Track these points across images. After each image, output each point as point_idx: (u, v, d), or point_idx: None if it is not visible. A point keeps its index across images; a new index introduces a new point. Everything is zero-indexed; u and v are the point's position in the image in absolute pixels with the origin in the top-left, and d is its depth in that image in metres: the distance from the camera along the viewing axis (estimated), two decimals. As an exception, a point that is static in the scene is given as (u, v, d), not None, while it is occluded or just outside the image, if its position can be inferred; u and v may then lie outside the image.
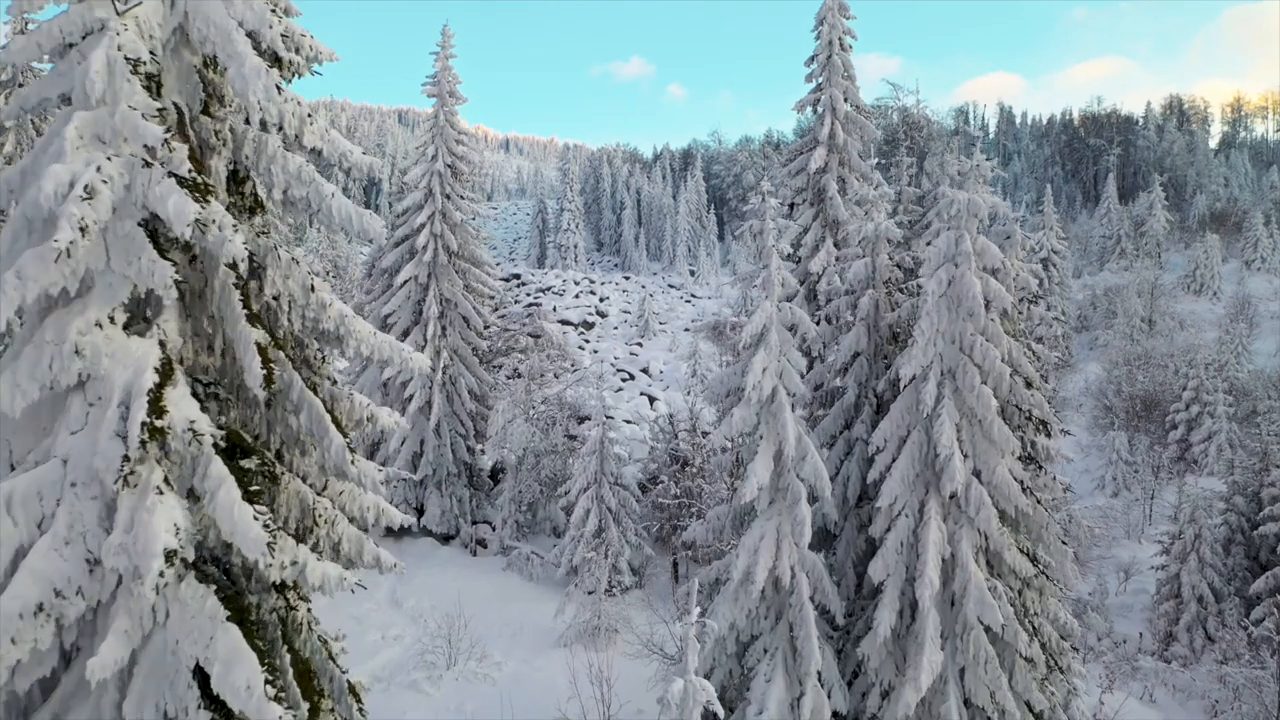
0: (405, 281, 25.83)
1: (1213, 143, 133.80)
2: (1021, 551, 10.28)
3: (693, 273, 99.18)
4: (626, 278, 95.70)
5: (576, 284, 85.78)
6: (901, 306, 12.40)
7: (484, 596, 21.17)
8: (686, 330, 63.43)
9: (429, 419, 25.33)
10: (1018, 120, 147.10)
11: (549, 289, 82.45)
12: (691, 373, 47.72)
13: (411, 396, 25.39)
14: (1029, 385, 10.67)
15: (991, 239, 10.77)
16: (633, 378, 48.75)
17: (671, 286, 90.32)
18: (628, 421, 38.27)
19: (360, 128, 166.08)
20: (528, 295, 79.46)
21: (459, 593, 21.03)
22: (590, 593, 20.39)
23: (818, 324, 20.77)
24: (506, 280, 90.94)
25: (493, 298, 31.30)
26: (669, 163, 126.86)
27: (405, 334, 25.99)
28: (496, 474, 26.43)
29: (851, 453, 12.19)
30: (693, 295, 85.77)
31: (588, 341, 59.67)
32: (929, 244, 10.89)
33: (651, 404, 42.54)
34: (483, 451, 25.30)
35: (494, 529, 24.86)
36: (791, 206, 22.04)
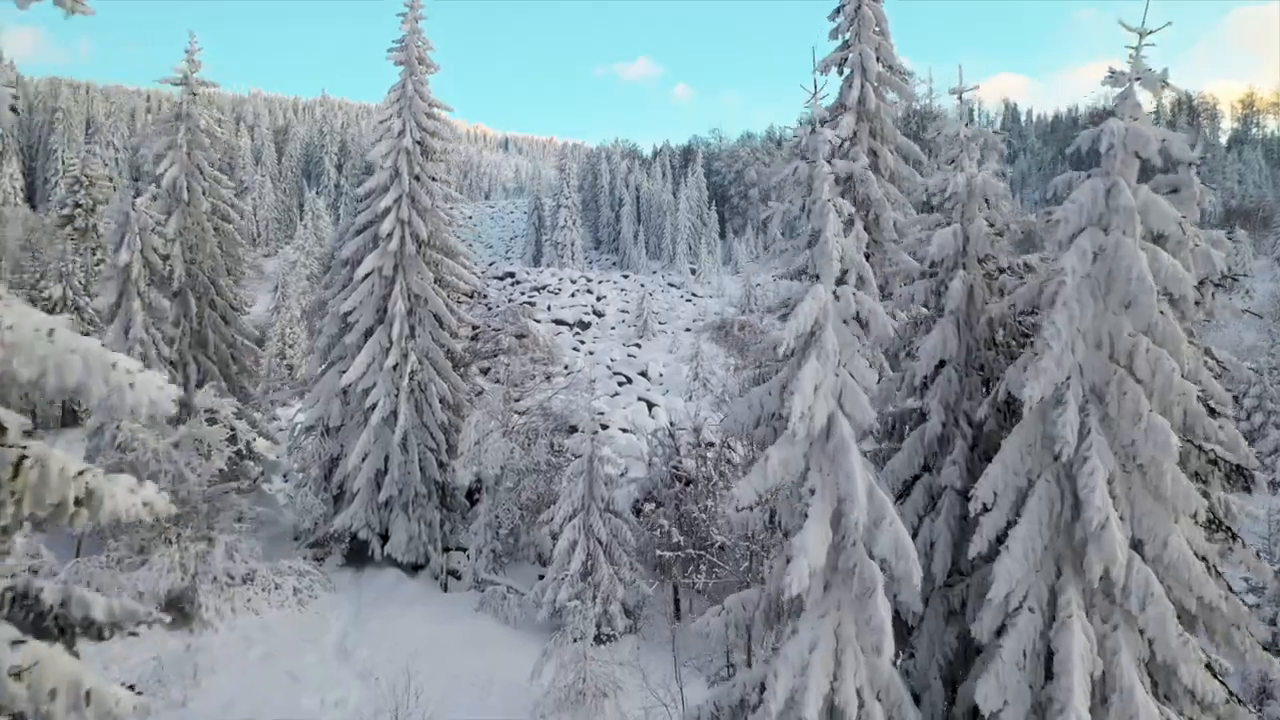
0: (367, 274, 22.55)
1: (1223, 139, 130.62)
2: (1207, 667, 6.99)
3: (694, 271, 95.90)
4: (625, 276, 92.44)
5: (573, 282, 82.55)
6: (1013, 293, 8.72)
7: (451, 643, 17.89)
8: (688, 330, 60.14)
9: (394, 431, 22.07)
10: (1022, 119, 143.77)
11: (544, 287, 79.23)
12: (693, 376, 44.48)
13: (374, 406, 22.14)
14: (1213, 413, 7.34)
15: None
16: (630, 381, 45.47)
17: (672, 285, 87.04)
18: (624, 430, 34.98)
19: (358, 126, 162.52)
20: (522, 294, 76.20)
21: (422, 640, 17.80)
22: (577, 639, 17.16)
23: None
24: (500, 279, 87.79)
25: (474, 295, 28.14)
26: (669, 159, 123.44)
27: (368, 334, 22.73)
28: (475, 494, 23.14)
29: (937, 507, 8.78)
30: (694, 294, 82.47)
31: (583, 342, 56.40)
32: (1061, 203, 7.53)
33: (650, 410, 39.27)
34: (454, 470, 22.01)
35: (470, 558, 21.58)
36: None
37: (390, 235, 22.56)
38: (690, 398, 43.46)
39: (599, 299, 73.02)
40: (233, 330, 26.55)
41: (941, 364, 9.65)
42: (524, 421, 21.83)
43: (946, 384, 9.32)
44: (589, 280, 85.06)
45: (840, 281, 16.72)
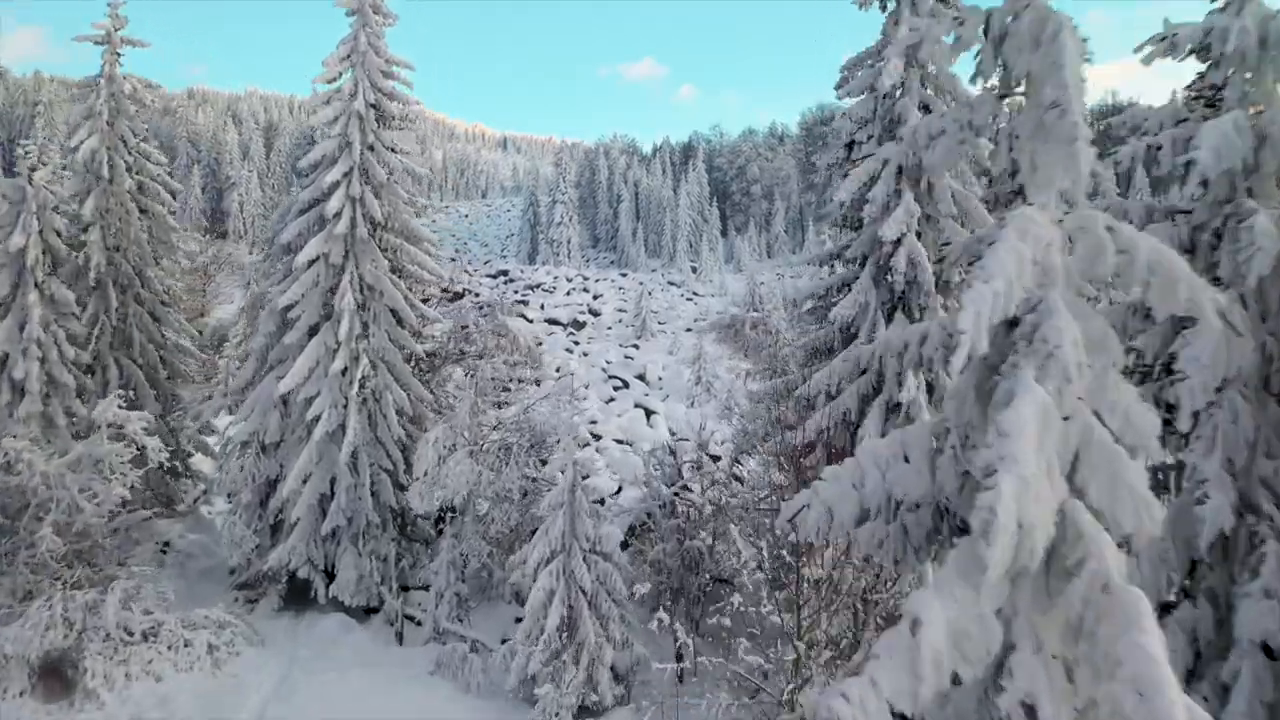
0: (311, 262, 18.93)
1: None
2: None
3: (695, 269, 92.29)
4: (623, 274, 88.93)
5: (569, 280, 79.10)
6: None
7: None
8: (689, 330, 56.51)
9: (340, 448, 18.44)
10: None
11: (538, 285, 75.80)
12: (696, 379, 40.88)
13: (318, 418, 18.51)
14: None
15: None
16: (627, 385, 41.85)
17: (672, 284, 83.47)
18: (619, 442, 31.39)
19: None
20: (515, 292, 72.69)
21: (362, 715, 14.20)
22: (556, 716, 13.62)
23: (898, 313, 13.93)
24: (493, 276, 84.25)
25: (463, 292, 24.60)
26: (669, 156, 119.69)
27: (312, 332, 19.10)
28: (445, 521, 19.44)
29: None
30: (695, 293, 78.93)
31: (577, 343, 52.80)
32: None
33: (648, 418, 35.63)
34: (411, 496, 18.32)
35: (430, 604, 17.92)
36: (849, 146, 15.17)
37: (338, 216, 18.92)
38: (692, 403, 39.83)
39: (595, 298, 69.49)
40: (164, 329, 22.95)
41: (1220, 387, 5.31)
42: (498, 438, 18.18)
43: (1230, 425, 5.16)
44: (585, 278, 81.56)
45: (883, 271, 13.01)
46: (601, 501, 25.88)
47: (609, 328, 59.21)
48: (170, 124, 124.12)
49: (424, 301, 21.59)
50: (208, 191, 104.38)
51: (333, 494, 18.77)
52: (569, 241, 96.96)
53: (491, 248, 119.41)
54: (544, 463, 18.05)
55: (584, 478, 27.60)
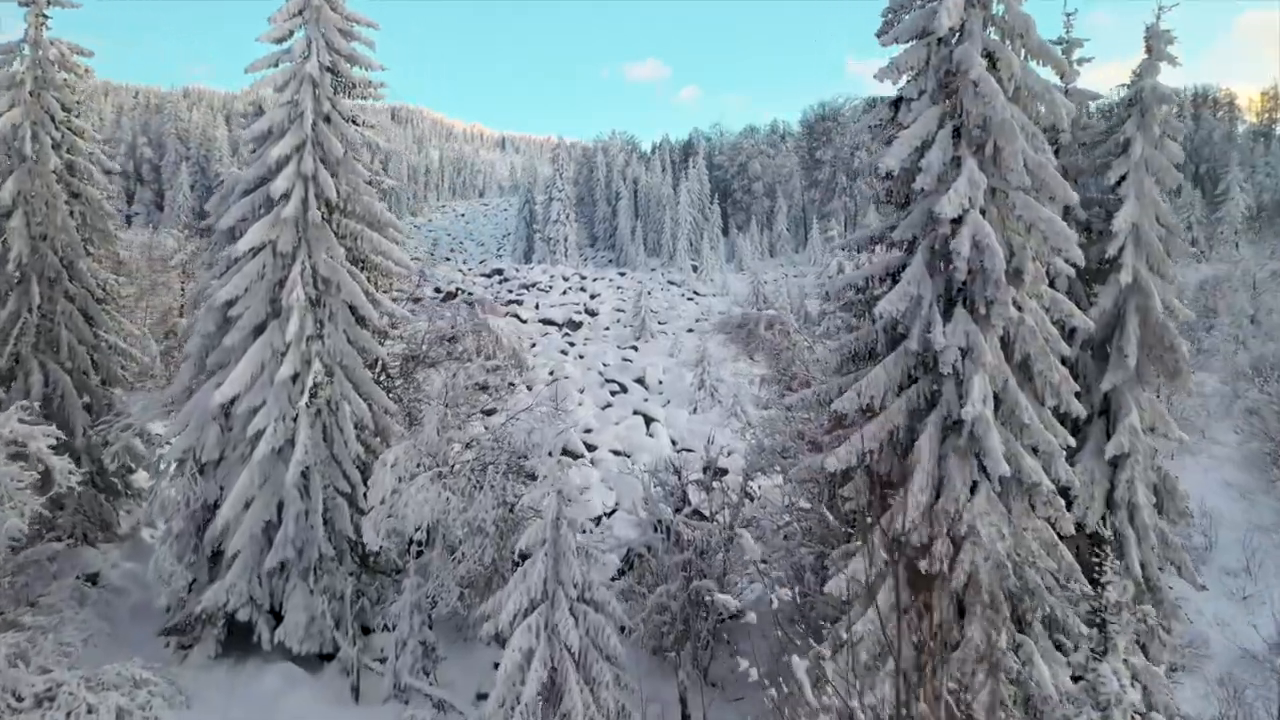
0: (255, 250, 16.24)
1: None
2: None
3: (695, 268, 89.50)
4: (621, 273, 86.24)
5: (565, 280, 76.39)
6: None
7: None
8: (690, 331, 53.79)
9: (288, 467, 15.70)
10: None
11: (534, 284, 73.14)
12: (699, 384, 38.14)
13: (262, 433, 15.78)
14: None
15: None
16: (625, 390, 39.11)
17: (672, 283, 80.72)
18: (616, 453, 28.63)
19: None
20: (509, 291, 70.05)
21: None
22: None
23: (958, 308, 11.27)
24: (488, 275, 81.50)
25: (454, 290, 21.88)
26: (669, 154, 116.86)
27: (257, 332, 16.38)
28: (414, 552, 16.59)
29: None
30: (696, 292, 76.19)
31: (573, 344, 50.06)
32: None
33: (648, 426, 32.86)
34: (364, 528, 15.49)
35: (392, 654, 15.15)
36: (896, 104, 12.45)
37: (287, 196, 16.19)
38: (695, 409, 37.09)
39: (593, 297, 66.78)
40: (98, 328, 20.21)
41: None
42: (472, 457, 15.41)
43: None
44: (583, 277, 78.88)
45: (939, 256, 10.51)
46: (597, 521, 23.17)
47: (606, 328, 56.49)
48: (159, 120, 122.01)
49: (394, 298, 18.91)
50: (196, 189, 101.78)
51: (279, 521, 16.03)
52: (566, 240, 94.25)
53: (488, 247, 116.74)
54: (532, 477, 15.21)
55: (581, 492, 24.89)
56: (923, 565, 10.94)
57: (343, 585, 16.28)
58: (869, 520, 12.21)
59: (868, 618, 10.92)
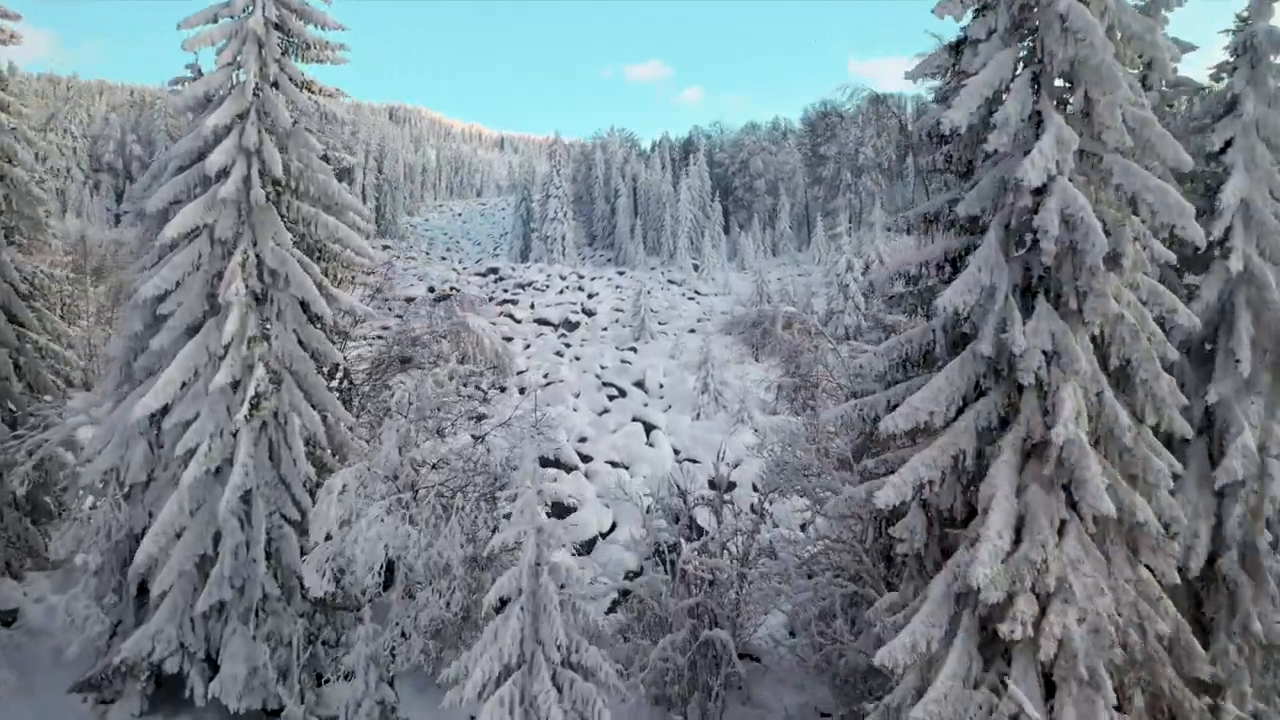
0: (188, 236, 13.87)
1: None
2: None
3: (696, 267, 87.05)
4: (620, 272, 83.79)
5: (562, 279, 73.92)
6: None
7: None
8: (692, 331, 51.38)
9: (224, 490, 13.29)
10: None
11: (529, 284, 70.69)
12: (702, 387, 35.71)
13: (194, 451, 13.38)
14: None
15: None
16: (623, 394, 36.70)
17: (672, 282, 78.27)
18: (613, 464, 26.22)
19: (348, 123, 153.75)
20: (504, 291, 67.62)
21: None
22: None
23: (1040, 301, 8.94)
24: (482, 275, 79.00)
25: (441, 293, 19.54)
26: (669, 151, 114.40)
27: (191, 332, 13.98)
28: (368, 595, 14.16)
29: None
30: (697, 292, 73.79)
31: (569, 345, 47.67)
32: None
33: (648, 434, 30.41)
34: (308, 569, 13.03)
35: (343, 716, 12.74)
36: (957, 49, 10.08)
37: (226, 173, 13.82)
38: (698, 415, 34.66)
39: (590, 296, 64.37)
40: (25, 328, 17.83)
41: None
42: (439, 481, 13.00)
43: None
44: (580, 277, 76.44)
45: (1016, 235, 8.18)
46: (591, 544, 20.77)
47: (604, 329, 54.07)
48: (149, 117, 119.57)
49: (363, 297, 16.54)
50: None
51: (216, 555, 13.64)
52: (563, 238, 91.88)
53: (484, 246, 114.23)
54: (509, 498, 12.74)
55: (573, 510, 22.41)
56: (1003, 629, 8.55)
57: (290, 629, 13.86)
58: (926, 567, 9.84)
59: (929, 698, 8.52)
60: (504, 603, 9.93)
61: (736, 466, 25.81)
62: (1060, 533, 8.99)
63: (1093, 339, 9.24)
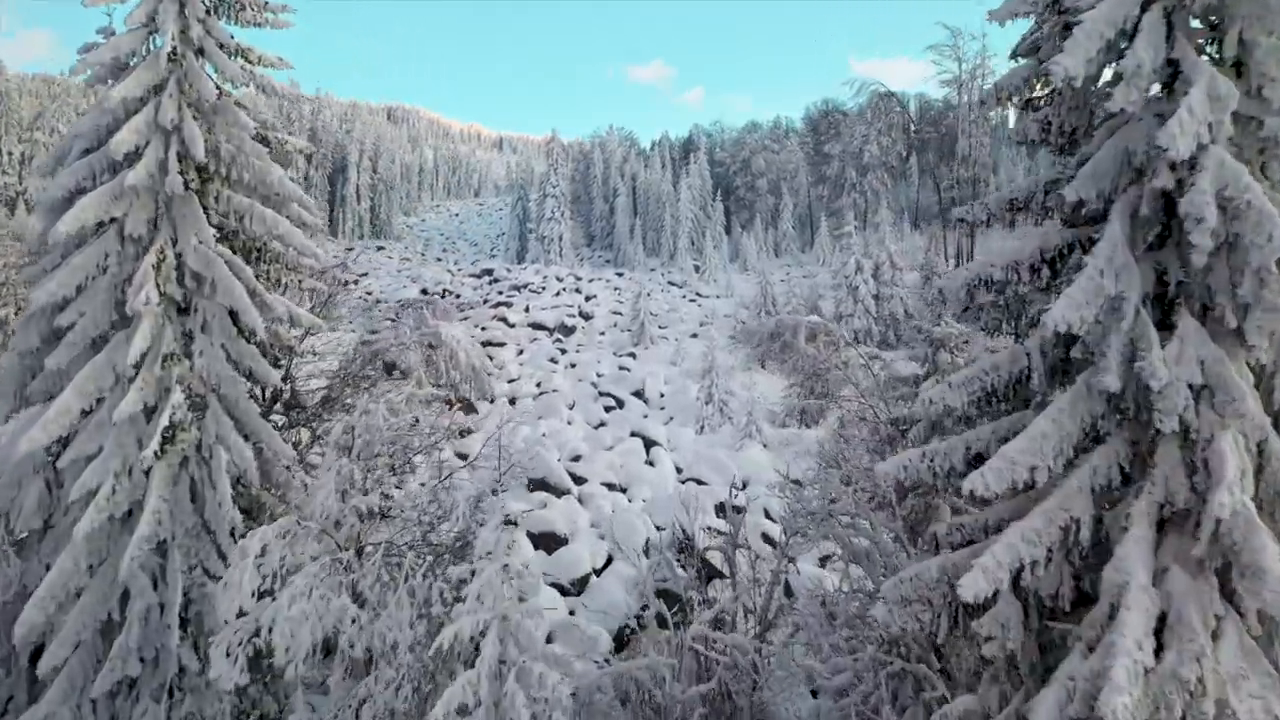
0: (94, 232, 11.45)
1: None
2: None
3: (697, 269, 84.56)
4: (619, 274, 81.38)
5: (559, 280, 71.51)
6: None
7: None
8: (694, 336, 48.96)
9: (130, 542, 10.84)
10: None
11: (525, 286, 68.31)
12: (706, 398, 33.28)
13: (93, 494, 10.95)
14: None
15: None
16: (621, 405, 34.25)
17: (673, 284, 75.88)
18: (609, 487, 23.76)
19: (345, 121, 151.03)
20: (499, 294, 65.19)
21: None
22: None
23: (1183, 316, 6.46)
24: (476, 276, 76.59)
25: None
26: (668, 151, 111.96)
27: (95, 348, 11.56)
28: (300, 679, 11.71)
29: None
30: (698, 294, 71.40)
31: (564, 351, 45.23)
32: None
33: (648, 450, 27.95)
34: (209, 658, 10.62)
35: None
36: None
37: (137, 156, 11.41)
38: (702, 428, 32.22)
39: (588, 299, 61.98)
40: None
41: None
42: (389, 536, 10.59)
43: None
44: (578, 278, 74.02)
45: (1147, 225, 5.76)
46: (584, 582, 18.31)
47: (602, 333, 51.65)
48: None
49: (311, 306, 14.10)
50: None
51: (123, 621, 11.22)
52: (560, 238, 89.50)
53: (481, 247, 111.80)
54: (461, 576, 10.38)
55: (562, 539, 19.90)
56: (1143, 777, 6.11)
57: (214, 709, 11.43)
58: (1019, 669, 7.40)
59: None
60: (462, 713, 7.51)
61: (745, 487, 23.31)
62: (1214, 635, 6.55)
63: (1250, 367, 6.82)
